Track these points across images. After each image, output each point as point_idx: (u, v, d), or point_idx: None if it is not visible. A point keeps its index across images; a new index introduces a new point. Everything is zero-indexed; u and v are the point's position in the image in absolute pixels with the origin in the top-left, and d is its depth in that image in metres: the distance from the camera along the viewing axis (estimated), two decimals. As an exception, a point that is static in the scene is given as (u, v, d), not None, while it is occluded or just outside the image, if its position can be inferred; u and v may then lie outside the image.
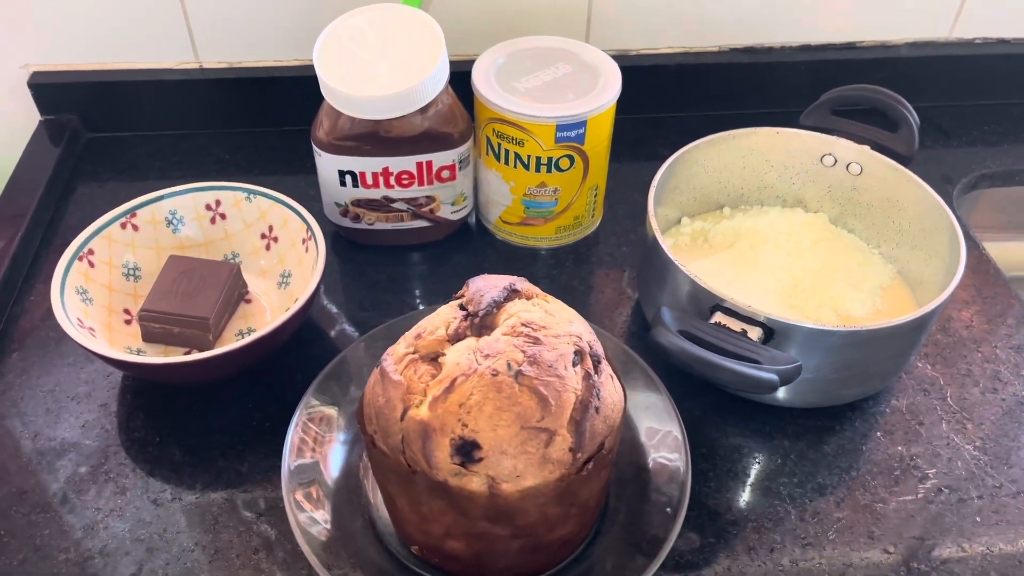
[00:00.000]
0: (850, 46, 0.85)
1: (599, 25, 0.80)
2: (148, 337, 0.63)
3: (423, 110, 0.62)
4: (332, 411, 0.55)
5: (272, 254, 0.68)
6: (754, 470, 0.57)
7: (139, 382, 0.61)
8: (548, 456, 0.42)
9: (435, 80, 0.61)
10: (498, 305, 0.45)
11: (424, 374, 0.43)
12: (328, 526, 0.50)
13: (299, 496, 0.50)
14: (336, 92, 0.60)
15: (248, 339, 0.56)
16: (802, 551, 0.52)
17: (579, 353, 0.44)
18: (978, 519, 0.54)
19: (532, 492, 0.42)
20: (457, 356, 0.42)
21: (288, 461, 0.52)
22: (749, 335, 0.52)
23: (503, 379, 0.41)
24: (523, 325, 0.43)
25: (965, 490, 0.56)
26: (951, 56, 0.85)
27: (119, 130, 0.82)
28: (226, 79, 0.79)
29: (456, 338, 0.44)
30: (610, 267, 0.71)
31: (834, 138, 0.66)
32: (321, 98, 0.65)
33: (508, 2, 0.78)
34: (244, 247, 0.69)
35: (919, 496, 0.55)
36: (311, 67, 0.79)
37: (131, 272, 0.66)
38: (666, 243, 0.57)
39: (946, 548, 0.53)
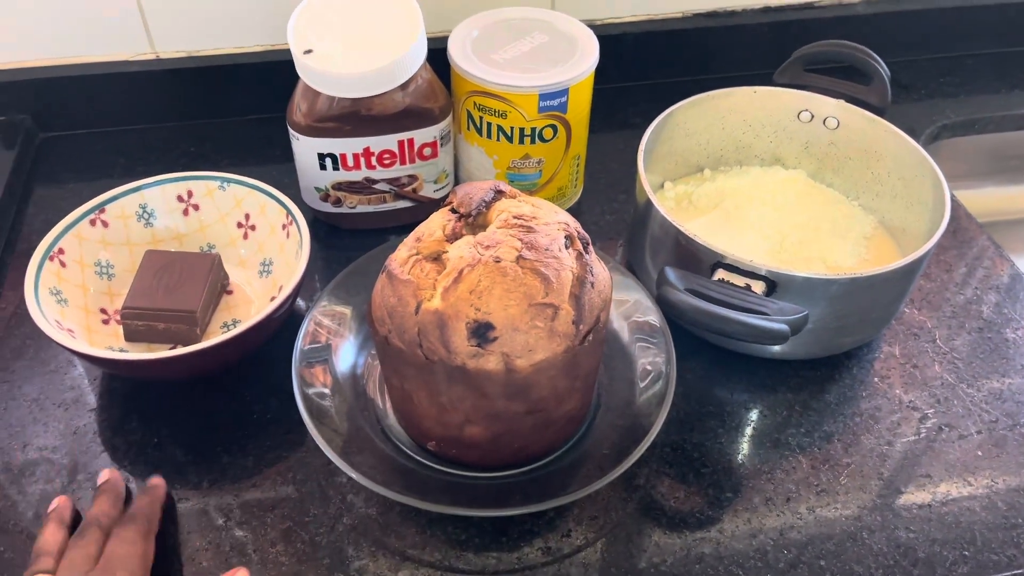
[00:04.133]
0: (809, 6, 0.86)
1: (564, -4, 0.80)
2: (131, 336, 0.60)
3: (403, 86, 0.61)
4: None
5: (250, 243, 0.66)
6: (762, 423, 0.57)
7: (127, 383, 0.59)
8: (555, 329, 0.45)
9: (416, 53, 0.60)
10: (487, 205, 0.48)
11: (430, 271, 0.46)
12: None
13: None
14: (316, 72, 0.59)
15: (242, 327, 0.54)
16: (817, 498, 0.53)
17: (569, 237, 0.48)
18: (979, 453, 0.56)
19: (544, 365, 0.45)
20: (460, 251, 0.46)
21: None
22: (753, 289, 0.52)
23: (506, 264, 0.44)
24: (515, 218, 0.47)
25: (964, 427, 0.57)
26: (906, 11, 0.87)
27: (75, 128, 0.78)
28: (186, 69, 0.76)
29: (453, 237, 0.47)
30: (596, 236, 0.71)
31: (810, 94, 0.67)
32: (290, 82, 0.64)
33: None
34: (220, 237, 0.66)
35: (921, 436, 0.57)
36: (274, 52, 0.78)
37: (104, 270, 0.63)
38: (662, 205, 0.57)
39: (953, 484, 0.54)
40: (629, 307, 0.58)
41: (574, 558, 0.50)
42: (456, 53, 0.64)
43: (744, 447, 0.56)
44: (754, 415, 0.58)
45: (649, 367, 0.55)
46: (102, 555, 0.46)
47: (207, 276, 0.61)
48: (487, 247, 0.45)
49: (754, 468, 0.55)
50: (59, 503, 0.50)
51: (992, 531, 0.52)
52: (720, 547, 0.51)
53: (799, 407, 0.58)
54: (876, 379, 0.60)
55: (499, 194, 0.49)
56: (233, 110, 0.80)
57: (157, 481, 0.51)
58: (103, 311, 0.62)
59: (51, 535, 0.48)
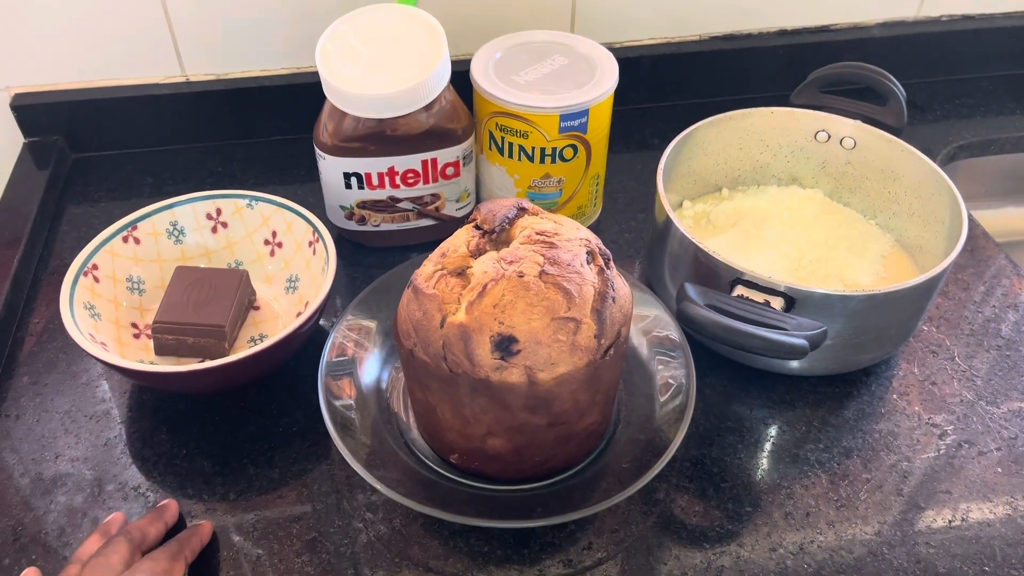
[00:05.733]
0: (824, 29, 0.87)
1: (583, 20, 0.82)
2: (161, 350, 0.62)
3: (427, 107, 0.63)
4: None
5: (277, 259, 0.67)
6: (781, 439, 0.58)
7: (157, 396, 0.60)
8: (577, 343, 0.46)
9: (440, 75, 0.61)
10: (510, 221, 0.50)
11: (455, 286, 0.47)
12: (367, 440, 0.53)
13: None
14: (342, 93, 0.60)
15: (269, 342, 0.55)
16: (836, 512, 0.53)
17: (590, 253, 0.49)
18: (999, 470, 0.56)
19: (566, 378, 0.46)
20: (484, 266, 0.47)
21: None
22: (772, 305, 0.53)
23: (529, 279, 0.45)
24: (537, 234, 0.48)
25: (984, 443, 0.57)
26: (921, 34, 0.88)
27: (106, 149, 0.80)
28: (214, 91, 0.78)
29: (477, 253, 0.48)
30: (615, 254, 0.71)
31: (827, 115, 0.68)
32: (314, 103, 0.65)
33: (494, 0, 0.79)
34: (248, 254, 0.68)
35: (941, 452, 0.57)
36: (300, 75, 0.80)
37: (135, 286, 0.65)
38: (681, 223, 0.58)
39: (973, 500, 0.54)
40: (649, 322, 0.59)
41: (594, 571, 0.50)
42: (479, 75, 0.65)
43: (763, 462, 0.56)
44: (773, 430, 0.58)
45: (671, 381, 0.55)
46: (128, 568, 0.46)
47: (235, 292, 0.63)
48: (510, 262, 0.46)
49: (773, 483, 0.55)
50: (113, 517, 0.52)
51: (1012, 547, 0.52)
52: (740, 561, 0.51)
53: (818, 423, 0.59)
54: (894, 396, 0.60)
55: (522, 211, 0.50)
56: (259, 131, 0.82)
57: (205, 523, 0.52)
58: (134, 325, 0.64)
59: (90, 544, 0.49)
